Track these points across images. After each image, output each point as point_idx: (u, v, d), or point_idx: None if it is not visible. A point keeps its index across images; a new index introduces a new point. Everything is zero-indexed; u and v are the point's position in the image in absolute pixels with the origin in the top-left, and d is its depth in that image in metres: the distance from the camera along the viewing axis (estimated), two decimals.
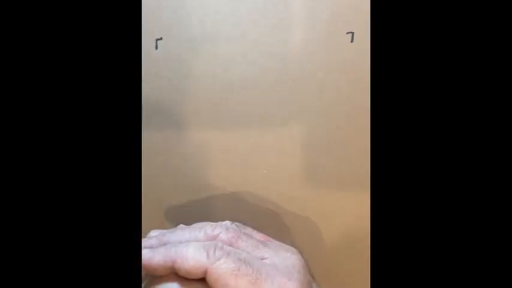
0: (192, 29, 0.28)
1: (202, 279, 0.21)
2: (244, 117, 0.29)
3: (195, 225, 0.26)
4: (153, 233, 0.26)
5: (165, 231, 0.26)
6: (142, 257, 0.22)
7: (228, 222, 0.26)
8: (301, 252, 0.25)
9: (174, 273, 0.22)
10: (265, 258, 0.23)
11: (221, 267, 0.21)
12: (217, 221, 0.27)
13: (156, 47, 0.28)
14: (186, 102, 0.29)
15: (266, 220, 0.30)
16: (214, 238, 0.23)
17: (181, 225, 0.28)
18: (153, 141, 0.30)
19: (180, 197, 0.31)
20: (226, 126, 0.29)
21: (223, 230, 0.24)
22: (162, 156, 0.30)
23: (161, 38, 0.28)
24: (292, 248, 0.26)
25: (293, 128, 0.29)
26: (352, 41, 0.27)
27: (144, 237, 0.27)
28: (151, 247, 0.24)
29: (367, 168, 0.28)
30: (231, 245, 0.23)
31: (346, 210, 0.29)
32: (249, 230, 0.26)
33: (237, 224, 0.26)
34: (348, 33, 0.27)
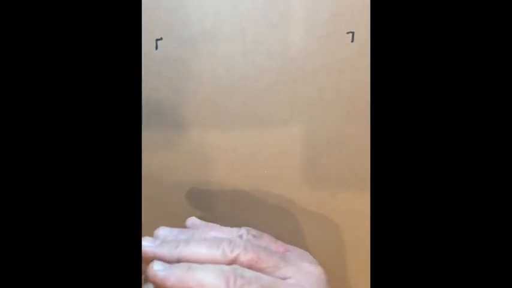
0: (192, 28, 0.28)
1: None
2: (244, 117, 0.29)
3: (211, 234, 0.25)
4: (162, 231, 0.25)
5: (175, 231, 0.25)
6: (156, 273, 0.21)
7: (244, 232, 0.24)
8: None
9: None
10: (289, 278, 0.22)
11: (245, 257, 0.20)
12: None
13: (156, 47, 0.28)
14: (186, 102, 0.29)
15: (266, 220, 0.30)
16: (234, 260, 0.22)
17: (192, 220, 0.27)
18: (153, 141, 0.30)
19: (180, 197, 0.31)
20: (226, 126, 0.29)
21: (241, 250, 0.22)
22: (162, 156, 0.30)
23: (161, 38, 0.28)
24: (311, 257, 0.25)
25: (293, 128, 0.29)
26: (352, 41, 0.27)
27: (146, 236, 0.26)
28: (163, 257, 0.22)
29: (367, 168, 0.28)
30: (251, 267, 0.22)
31: (346, 210, 0.29)
32: (266, 239, 0.25)
33: (254, 233, 0.25)
34: (348, 33, 0.27)
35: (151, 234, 0.29)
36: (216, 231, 0.25)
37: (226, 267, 0.21)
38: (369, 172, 0.28)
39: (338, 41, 0.27)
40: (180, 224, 0.30)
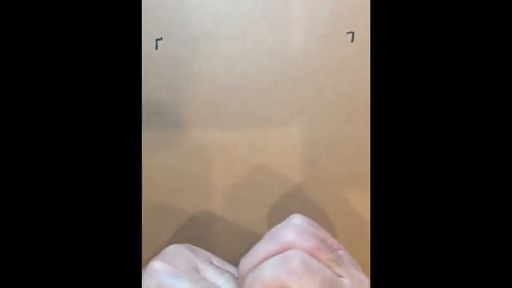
0: (192, 28, 0.28)
1: None
2: (244, 117, 0.29)
3: (266, 236, 0.22)
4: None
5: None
6: None
7: (297, 219, 0.21)
8: None
9: None
10: (344, 277, 0.20)
11: (304, 244, 0.18)
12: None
13: (156, 47, 0.28)
14: (186, 102, 0.29)
15: (266, 220, 0.30)
16: (292, 246, 0.19)
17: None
18: (153, 141, 0.30)
19: (180, 197, 0.31)
20: (226, 126, 0.29)
21: (298, 235, 0.20)
22: (162, 156, 0.30)
23: (161, 38, 0.28)
24: (358, 265, 0.23)
25: (293, 128, 0.29)
26: (352, 41, 0.27)
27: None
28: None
29: (367, 168, 0.28)
30: (311, 255, 0.19)
31: (346, 210, 0.29)
32: (322, 231, 0.22)
33: (310, 222, 0.22)
34: (348, 33, 0.27)
35: (150, 234, 0.29)
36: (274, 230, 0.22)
37: (286, 253, 0.19)
38: (368, 172, 0.28)
39: (338, 41, 0.27)
40: (180, 224, 0.30)
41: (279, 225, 0.22)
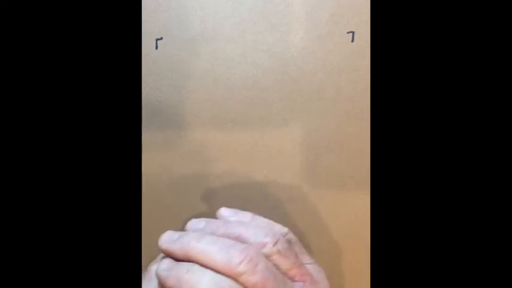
0: (192, 29, 0.28)
1: None
2: (244, 117, 0.29)
3: (237, 230, 0.22)
4: (191, 223, 0.24)
5: (202, 224, 0.24)
6: (160, 273, 0.21)
7: (280, 231, 0.23)
8: None
9: None
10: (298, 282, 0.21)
11: (249, 278, 0.19)
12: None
13: (156, 47, 0.28)
14: (186, 102, 0.29)
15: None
16: (237, 275, 0.20)
17: (221, 211, 0.25)
18: (153, 141, 0.30)
19: (179, 197, 0.30)
20: (226, 126, 0.29)
21: (250, 267, 0.20)
22: (162, 156, 0.30)
23: (161, 38, 0.28)
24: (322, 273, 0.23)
25: (293, 128, 0.29)
26: (352, 41, 0.27)
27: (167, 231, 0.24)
28: (173, 254, 0.21)
29: (367, 168, 0.28)
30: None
31: (346, 210, 0.29)
32: (292, 256, 0.22)
33: (290, 238, 0.23)
34: (348, 33, 0.27)
35: (150, 234, 0.29)
36: (247, 227, 0.22)
37: (224, 283, 0.19)
38: (369, 172, 0.28)
39: (338, 41, 0.27)
40: (179, 224, 0.30)
41: (257, 231, 0.22)
